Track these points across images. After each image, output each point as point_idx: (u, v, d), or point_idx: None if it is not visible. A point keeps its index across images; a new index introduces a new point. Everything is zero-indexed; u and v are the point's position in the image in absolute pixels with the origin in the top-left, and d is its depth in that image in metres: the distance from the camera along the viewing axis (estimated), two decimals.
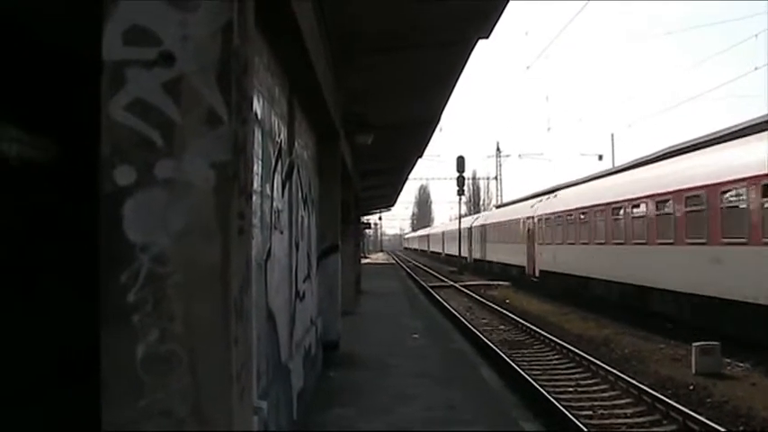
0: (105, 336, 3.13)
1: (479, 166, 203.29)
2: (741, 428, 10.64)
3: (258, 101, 6.04)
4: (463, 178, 56.33)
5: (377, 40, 10.14)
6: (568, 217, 29.90)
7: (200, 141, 3.13)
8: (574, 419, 10.65)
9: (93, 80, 3.31)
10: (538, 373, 15.01)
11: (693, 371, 14.45)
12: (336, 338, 14.12)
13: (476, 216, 68.01)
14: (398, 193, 46.42)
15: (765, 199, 15.12)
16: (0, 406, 5.50)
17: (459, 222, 58.87)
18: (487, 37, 10.17)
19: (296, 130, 9.31)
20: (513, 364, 14.93)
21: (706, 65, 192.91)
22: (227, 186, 3.15)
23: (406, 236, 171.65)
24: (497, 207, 64.37)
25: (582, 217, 28.05)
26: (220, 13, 3.14)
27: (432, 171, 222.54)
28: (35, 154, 6.43)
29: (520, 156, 77.97)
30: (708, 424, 10.32)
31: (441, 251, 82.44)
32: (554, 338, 18.72)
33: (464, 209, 73.75)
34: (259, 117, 6.18)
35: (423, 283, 40.47)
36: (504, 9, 9.25)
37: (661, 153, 25.68)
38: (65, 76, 6.39)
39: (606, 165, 60.09)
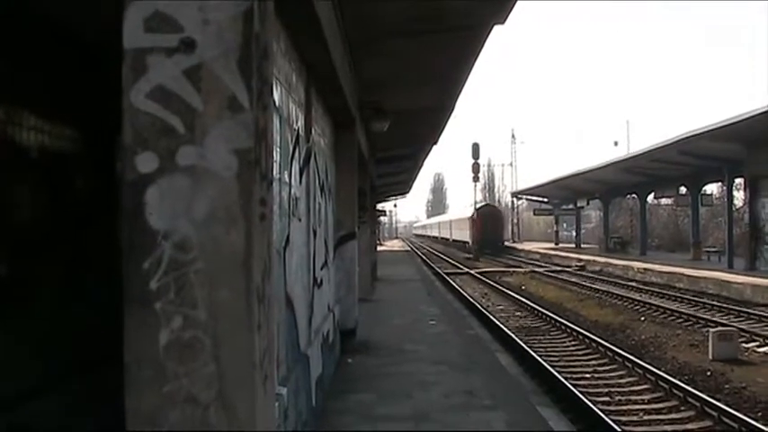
0: (128, 323, 3.12)
1: (494, 152, 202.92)
2: (759, 414, 10.59)
3: (276, 87, 6.02)
4: (478, 165, 56.41)
5: (393, 25, 10.08)
6: (448, 222, 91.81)
7: (221, 128, 3.12)
8: (591, 405, 10.66)
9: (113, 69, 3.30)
10: (555, 359, 15.00)
11: (711, 357, 14.42)
12: (354, 325, 14.17)
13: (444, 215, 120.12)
14: (413, 180, 46.33)
15: (470, 223, 61.87)
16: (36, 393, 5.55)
17: (475, 208, 58.98)
18: (503, 23, 10.10)
19: (313, 117, 9.29)
20: (530, 351, 14.93)
21: None
22: (248, 173, 3.13)
23: (415, 225, 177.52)
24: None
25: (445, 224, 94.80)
26: None
27: (447, 158, 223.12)
28: (60, 144, 6.44)
29: (534, 142, 79.33)
30: (726, 410, 10.30)
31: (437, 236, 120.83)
32: (570, 325, 18.71)
33: (479, 196, 75.69)
34: (277, 104, 6.16)
35: (438, 270, 40.50)
36: None
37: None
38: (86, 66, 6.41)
39: (622, 150, 60.23)
